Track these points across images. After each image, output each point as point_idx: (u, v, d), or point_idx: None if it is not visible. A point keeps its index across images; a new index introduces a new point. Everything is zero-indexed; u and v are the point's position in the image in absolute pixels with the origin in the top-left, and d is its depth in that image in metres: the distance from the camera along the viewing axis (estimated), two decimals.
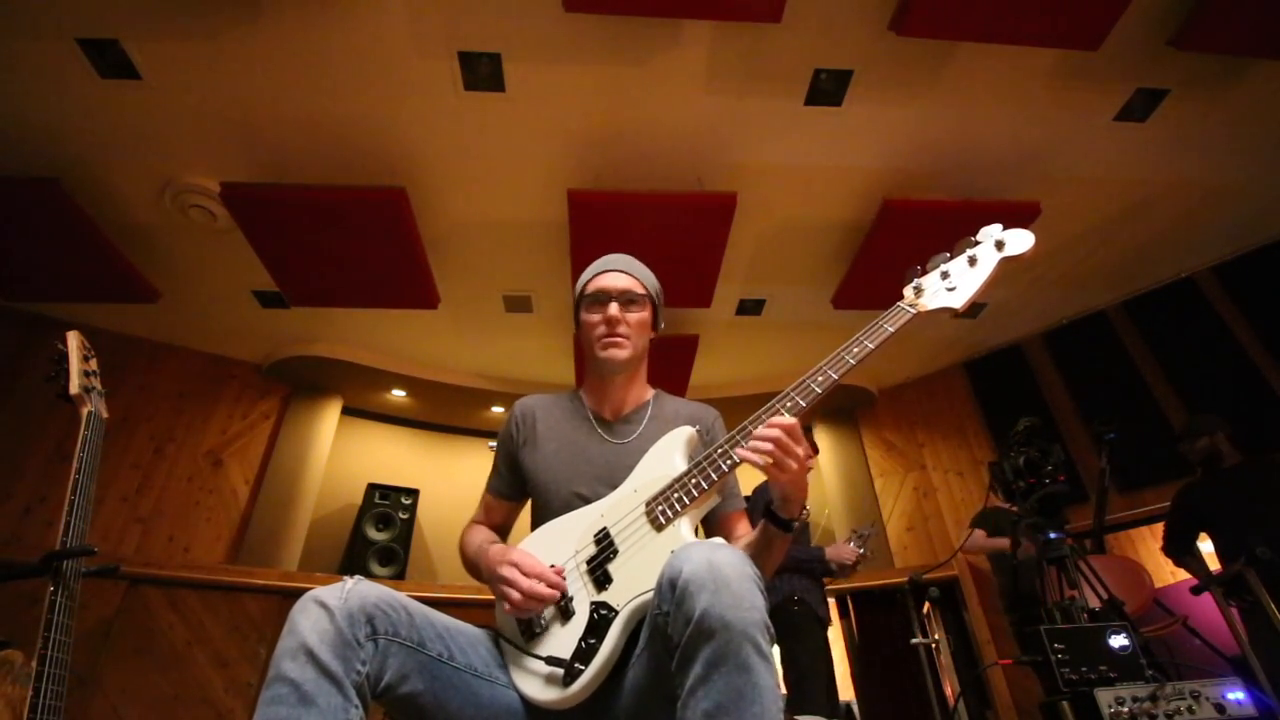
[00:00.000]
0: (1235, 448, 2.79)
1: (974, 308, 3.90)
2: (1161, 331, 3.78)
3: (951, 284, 1.08)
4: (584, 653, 0.95)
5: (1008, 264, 1.06)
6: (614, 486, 1.16)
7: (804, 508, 1.03)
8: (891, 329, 1.06)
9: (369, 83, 2.49)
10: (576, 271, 3.32)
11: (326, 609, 0.84)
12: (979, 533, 2.98)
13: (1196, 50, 2.43)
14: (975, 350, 4.50)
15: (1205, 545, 2.81)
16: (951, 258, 1.11)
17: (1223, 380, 3.45)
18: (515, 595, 1.00)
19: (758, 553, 1.05)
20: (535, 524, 1.23)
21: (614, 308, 1.23)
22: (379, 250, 3.06)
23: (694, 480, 1.02)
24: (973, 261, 1.09)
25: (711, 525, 1.20)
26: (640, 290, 1.27)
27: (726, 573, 0.77)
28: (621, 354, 1.23)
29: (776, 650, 2.91)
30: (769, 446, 0.95)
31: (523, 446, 1.27)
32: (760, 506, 1.08)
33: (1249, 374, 3.38)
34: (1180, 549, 2.78)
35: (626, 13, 2.21)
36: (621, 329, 1.23)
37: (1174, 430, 3.48)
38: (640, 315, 1.27)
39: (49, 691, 1.22)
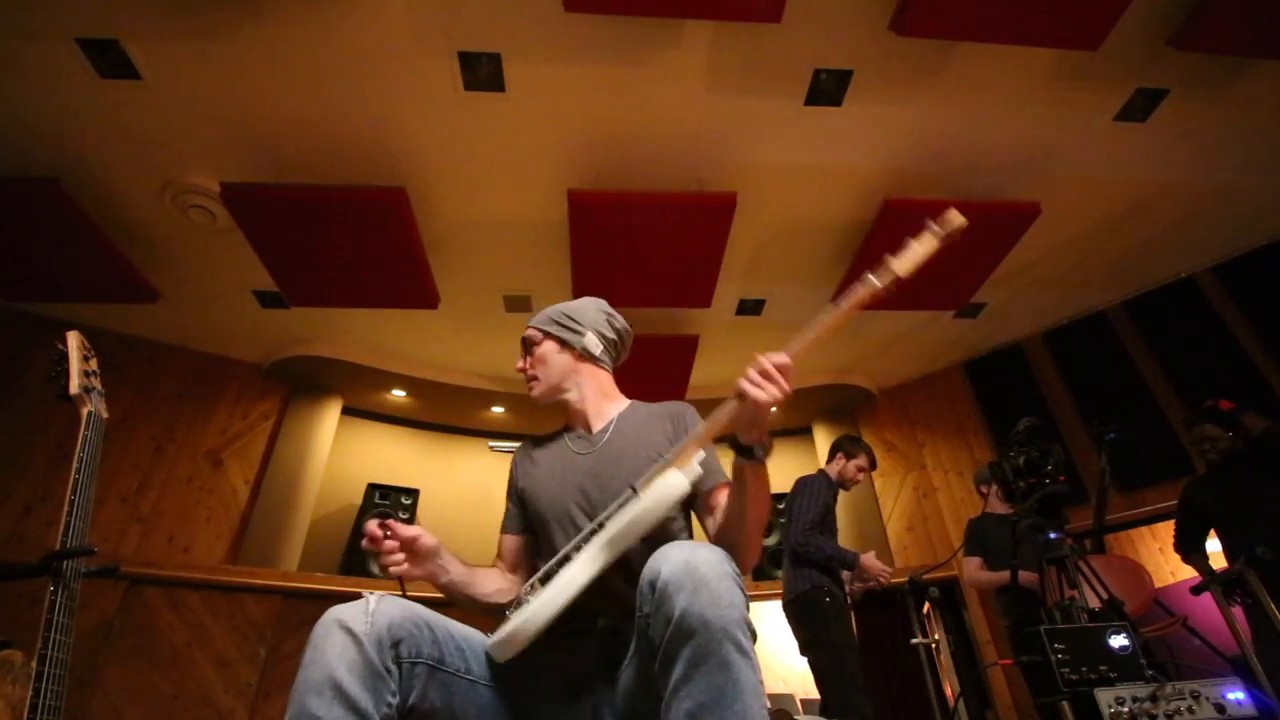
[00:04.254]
0: (1246, 442, 2.77)
1: (974, 308, 3.92)
2: (1161, 331, 3.78)
3: (899, 258, 1.17)
4: (543, 578, 1.01)
5: (948, 242, 1.15)
6: (599, 489, 1.19)
7: (766, 441, 1.04)
8: (847, 305, 1.10)
9: (369, 83, 2.50)
10: (577, 271, 3.33)
11: (354, 636, 0.81)
12: (974, 563, 2.97)
13: (1196, 50, 2.43)
14: (975, 350, 4.50)
15: (1213, 544, 2.80)
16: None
17: (1223, 380, 3.44)
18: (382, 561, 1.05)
19: (738, 494, 1.06)
20: (538, 552, 1.26)
21: (519, 362, 1.42)
22: (379, 250, 3.06)
23: (669, 453, 1.08)
24: (915, 238, 1.18)
25: (699, 506, 1.22)
26: (535, 335, 1.40)
27: (704, 572, 0.78)
28: (536, 390, 1.37)
29: (798, 648, 2.94)
30: (753, 372, 0.98)
31: (523, 478, 1.34)
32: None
33: (1249, 374, 3.38)
34: (1188, 547, 2.78)
35: (626, 13, 2.21)
36: (529, 373, 1.39)
37: (1174, 431, 3.49)
38: (539, 350, 1.39)
39: (49, 691, 1.22)
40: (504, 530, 1.35)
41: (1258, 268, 3.52)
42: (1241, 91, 2.71)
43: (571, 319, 1.42)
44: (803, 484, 3.19)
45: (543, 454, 1.36)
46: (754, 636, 0.78)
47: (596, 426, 1.34)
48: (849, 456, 3.28)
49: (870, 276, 1.11)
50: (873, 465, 3.36)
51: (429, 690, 0.88)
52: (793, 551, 2.98)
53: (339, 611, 0.84)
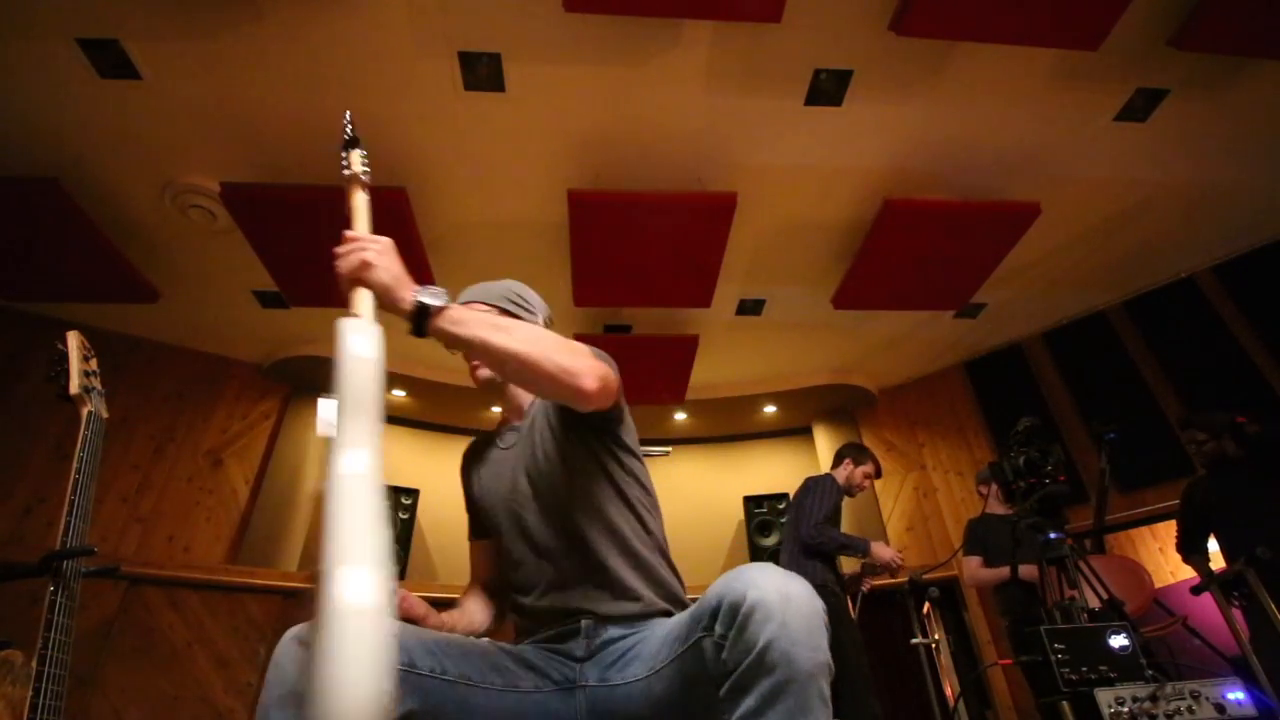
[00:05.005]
0: (1240, 445, 2.79)
1: (974, 308, 3.92)
2: (1161, 331, 3.78)
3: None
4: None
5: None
6: (528, 480, 1.16)
7: (405, 301, 0.91)
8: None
9: (369, 83, 2.49)
10: (577, 271, 3.33)
11: (311, 650, 0.82)
12: (974, 561, 2.98)
13: (1196, 50, 2.43)
14: (975, 350, 4.50)
15: (1213, 544, 2.80)
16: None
17: (1223, 380, 3.44)
18: None
19: (474, 355, 1.09)
20: (501, 560, 1.21)
21: None
22: None
23: None
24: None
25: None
26: (485, 309, 1.28)
27: (798, 606, 0.74)
28: (484, 373, 1.24)
29: None
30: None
31: (471, 483, 1.31)
32: None
33: (1249, 374, 3.38)
34: (1190, 547, 2.77)
35: (626, 13, 2.21)
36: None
37: (1173, 431, 3.49)
38: None
39: (49, 691, 1.22)
40: (469, 537, 1.33)
41: (1258, 268, 3.52)
42: (1241, 91, 2.70)
43: (525, 300, 1.37)
44: (813, 483, 3.22)
45: (485, 453, 1.32)
46: (832, 676, 0.76)
47: (524, 411, 1.29)
48: (856, 463, 3.31)
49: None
50: (878, 473, 3.39)
51: (402, 695, 0.88)
52: (804, 544, 3.00)
53: (296, 630, 0.85)
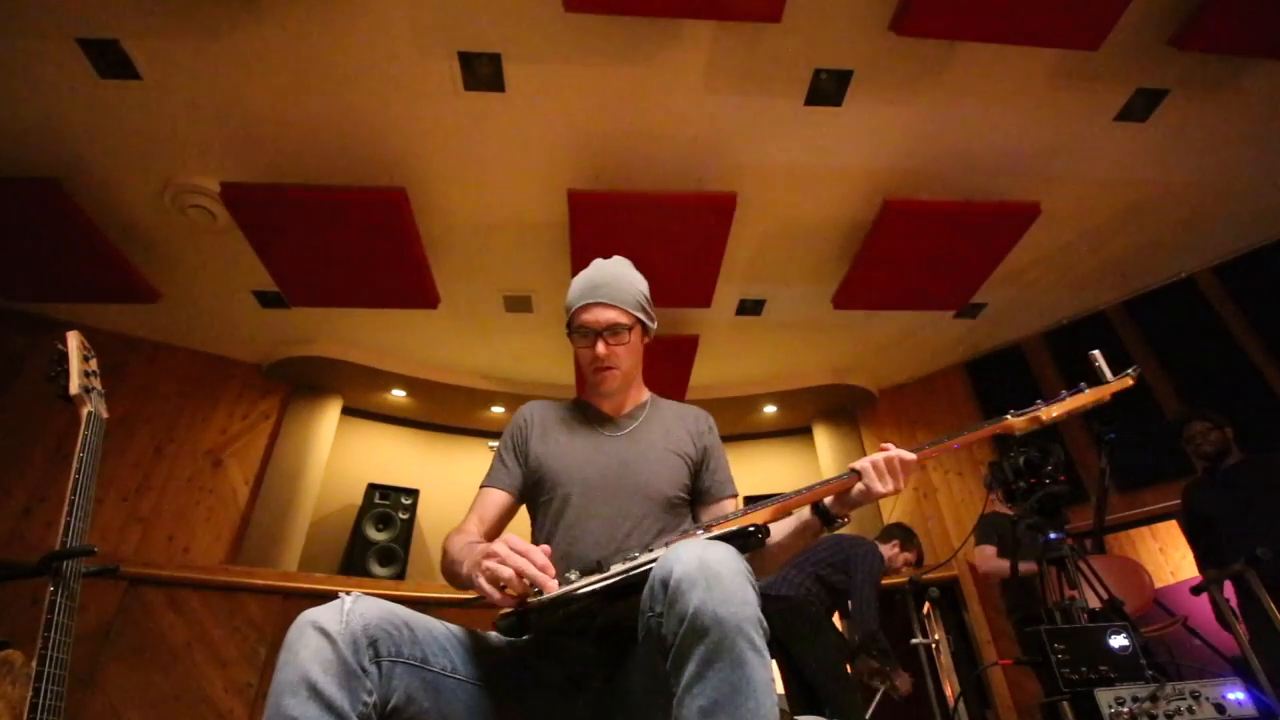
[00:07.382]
0: (1237, 446, 2.79)
1: (974, 308, 3.93)
2: (1161, 331, 3.78)
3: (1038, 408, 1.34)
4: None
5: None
6: (621, 475, 1.20)
7: (849, 515, 1.13)
8: (977, 434, 1.27)
9: (369, 83, 2.49)
10: (577, 272, 3.31)
11: (328, 636, 0.80)
12: (990, 550, 2.96)
13: (1196, 50, 2.43)
14: (975, 350, 4.50)
15: None
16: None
17: (1223, 380, 3.44)
18: (505, 571, 0.90)
19: (789, 545, 1.13)
20: (538, 514, 1.24)
21: (600, 347, 1.26)
22: (379, 250, 3.06)
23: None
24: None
25: (704, 503, 1.28)
26: (625, 320, 1.28)
27: (718, 569, 0.77)
28: (612, 384, 1.29)
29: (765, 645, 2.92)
30: (880, 460, 1.09)
31: (533, 438, 1.30)
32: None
33: (1249, 374, 3.37)
34: (1205, 556, 2.70)
35: (626, 13, 2.21)
36: (609, 361, 1.27)
37: (1172, 429, 3.48)
38: (628, 342, 1.29)
39: (49, 691, 1.22)
40: (493, 484, 1.26)
41: (1258, 268, 3.51)
42: (1241, 91, 2.70)
43: (650, 301, 1.35)
44: (866, 551, 3.03)
45: (560, 424, 1.32)
46: (767, 635, 0.78)
47: (623, 412, 1.34)
48: (904, 547, 3.19)
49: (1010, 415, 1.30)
50: (919, 562, 3.29)
51: (413, 690, 0.87)
52: (868, 634, 2.82)
53: (313, 613, 0.84)
